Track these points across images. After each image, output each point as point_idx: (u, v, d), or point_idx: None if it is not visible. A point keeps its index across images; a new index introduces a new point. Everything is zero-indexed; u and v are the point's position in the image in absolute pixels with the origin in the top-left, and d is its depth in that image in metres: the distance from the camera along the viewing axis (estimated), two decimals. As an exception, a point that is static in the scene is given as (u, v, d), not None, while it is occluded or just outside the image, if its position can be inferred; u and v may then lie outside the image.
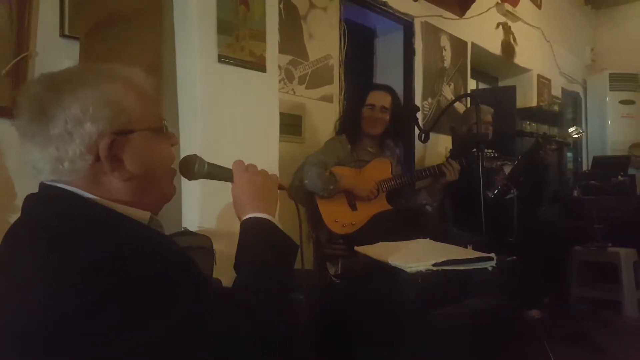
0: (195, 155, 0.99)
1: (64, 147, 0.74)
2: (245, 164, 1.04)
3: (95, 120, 0.74)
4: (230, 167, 1.03)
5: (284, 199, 2.29)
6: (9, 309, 0.69)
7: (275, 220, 0.97)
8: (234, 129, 2.02)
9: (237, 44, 2.01)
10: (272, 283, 0.85)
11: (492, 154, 2.63)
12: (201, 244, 1.77)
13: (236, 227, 1.01)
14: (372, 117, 2.60)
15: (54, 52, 1.66)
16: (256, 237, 0.93)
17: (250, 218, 0.95)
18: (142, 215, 0.82)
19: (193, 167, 0.98)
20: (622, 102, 5.84)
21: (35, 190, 0.81)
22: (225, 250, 1.76)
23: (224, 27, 1.95)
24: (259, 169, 1.05)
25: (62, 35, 1.68)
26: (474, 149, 2.34)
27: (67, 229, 0.71)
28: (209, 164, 1.01)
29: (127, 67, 0.83)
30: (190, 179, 0.99)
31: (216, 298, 0.77)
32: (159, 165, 0.84)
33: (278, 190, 1.06)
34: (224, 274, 1.71)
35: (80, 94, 0.75)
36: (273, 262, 0.89)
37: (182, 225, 1.87)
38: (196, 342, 0.69)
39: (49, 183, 0.77)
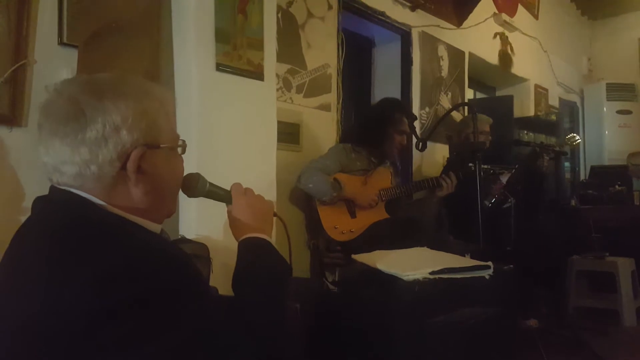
0: (198, 174, 1.01)
1: (96, 151, 0.74)
2: (243, 184, 1.07)
3: (131, 130, 0.76)
4: (228, 187, 1.06)
5: (280, 209, 2.28)
6: (15, 313, 0.69)
7: (272, 241, 1.01)
8: (232, 137, 2.02)
9: (235, 52, 2.01)
10: (270, 301, 0.88)
11: (488, 169, 2.64)
12: (198, 252, 1.76)
13: (233, 236, 1.02)
14: (401, 144, 2.67)
15: (52, 60, 1.66)
16: (256, 256, 0.96)
17: (250, 237, 0.98)
18: (153, 227, 0.83)
19: (195, 185, 1.00)
20: (619, 111, 5.87)
21: (40, 192, 0.81)
22: (221, 258, 1.76)
23: (221, 36, 1.96)
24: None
25: (61, 43, 1.69)
26: (471, 164, 2.34)
27: (81, 236, 0.71)
28: (210, 183, 1.03)
29: (159, 87, 0.86)
30: (190, 196, 1.01)
31: (220, 312, 0.78)
32: (174, 182, 0.87)
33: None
34: (220, 282, 1.70)
35: (122, 103, 0.76)
36: (270, 281, 0.91)
37: (179, 233, 1.87)
38: (200, 355, 0.69)
39: (61, 187, 0.77)
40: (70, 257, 0.68)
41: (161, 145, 0.81)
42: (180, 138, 0.87)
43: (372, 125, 2.66)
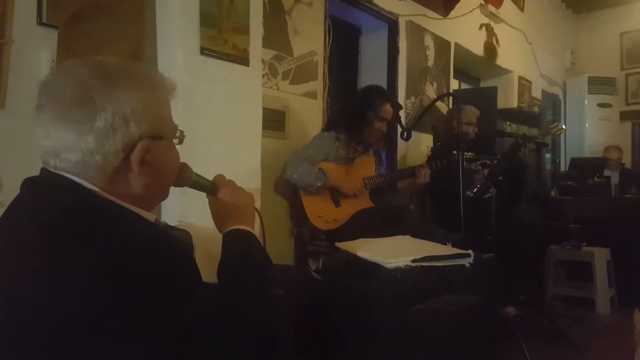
0: (185, 164, 1.00)
1: (103, 140, 0.72)
2: (228, 171, 1.08)
3: (140, 122, 0.75)
4: (211, 175, 1.07)
5: (265, 197, 2.26)
6: (8, 304, 0.67)
7: (256, 233, 1.02)
8: (216, 123, 2.00)
9: (220, 36, 1.99)
10: (262, 290, 0.89)
11: (470, 156, 2.67)
12: (180, 238, 1.75)
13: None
14: (380, 131, 2.62)
15: (31, 40, 1.62)
16: (243, 247, 0.96)
17: (235, 229, 0.98)
18: (148, 216, 0.82)
19: (183, 175, 1.00)
20: (599, 105, 5.98)
21: (19, 177, 0.78)
22: (204, 245, 1.75)
23: (207, 20, 1.93)
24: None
25: (40, 23, 1.64)
26: (454, 151, 2.36)
27: (78, 224, 0.69)
28: (196, 174, 1.03)
29: (165, 76, 0.84)
30: (176, 185, 1.00)
31: (215, 301, 0.78)
32: (171, 172, 0.87)
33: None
34: (203, 269, 1.69)
35: (134, 93, 0.75)
36: (259, 271, 0.92)
37: (162, 219, 1.85)
38: (199, 343, 0.69)
39: (54, 171, 0.75)
40: (67, 247, 0.66)
41: (163, 137, 0.81)
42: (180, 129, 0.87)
43: (352, 111, 2.65)
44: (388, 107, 2.64)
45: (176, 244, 0.75)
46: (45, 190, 0.75)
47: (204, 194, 1.08)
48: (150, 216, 0.82)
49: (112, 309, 0.63)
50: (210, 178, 1.07)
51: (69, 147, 0.73)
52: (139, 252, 0.67)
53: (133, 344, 0.64)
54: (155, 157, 0.79)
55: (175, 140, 0.86)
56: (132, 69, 0.79)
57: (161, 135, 0.80)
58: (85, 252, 0.66)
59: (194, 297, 0.71)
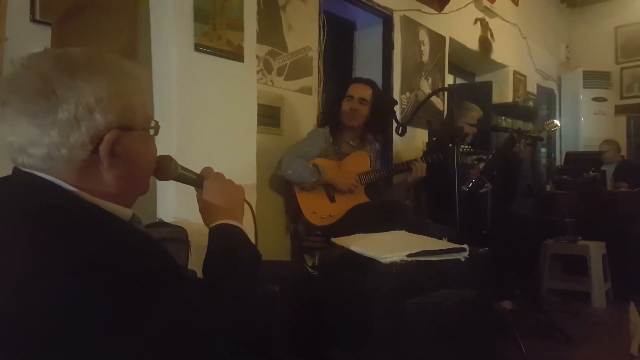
0: (169, 157, 0.98)
1: (67, 133, 0.70)
2: (223, 167, 1.05)
3: (105, 112, 0.72)
4: (199, 171, 1.04)
5: (260, 193, 2.26)
6: None
7: (244, 226, 0.99)
8: (211, 120, 1.99)
9: (215, 32, 1.98)
10: (246, 287, 0.88)
11: (468, 148, 2.68)
12: (176, 235, 1.75)
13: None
14: (351, 109, 2.62)
15: (24, 38, 1.61)
16: (228, 243, 0.94)
17: (221, 224, 0.96)
18: (124, 212, 0.80)
19: (167, 169, 0.98)
20: (594, 99, 5.99)
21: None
22: (200, 241, 1.75)
23: (201, 15, 1.93)
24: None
25: (33, 20, 1.63)
26: (450, 144, 2.37)
27: (54, 225, 0.68)
28: (181, 167, 1.01)
29: (135, 64, 0.82)
30: (160, 179, 0.99)
31: (198, 299, 0.77)
32: (147, 164, 0.84)
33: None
34: (199, 265, 1.69)
35: (97, 83, 0.72)
36: (244, 268, 0.91)
37: (157, 216, 1.85)
38: (183, 342, 0.69)
39: (26, 170, 0.73)
40: (44, 248, 0.66)
41: (135, 128, 0.78)
42: (155, 119, 0.84)
43: (328, 103, 2.70)
44: (355, 85, 2.66)
45: (152, 243, 0.73)
46: (15, 190, 0.74)
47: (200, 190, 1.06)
48: (124, 213, 0.80)
49: (89, 309, 0.63)
50: None
51: (33, 142, 0.71)
52: (113, 252, 0.66)
53: (113, 343, 0.63)
54: (126, 148, 0.76)
55: (151, 131, 0.83)
56: (96, 58, 0.76)
57: (132, 125, 0.77)
58: (57, 255, 0.64)
59: (172, 295, 0.70)
